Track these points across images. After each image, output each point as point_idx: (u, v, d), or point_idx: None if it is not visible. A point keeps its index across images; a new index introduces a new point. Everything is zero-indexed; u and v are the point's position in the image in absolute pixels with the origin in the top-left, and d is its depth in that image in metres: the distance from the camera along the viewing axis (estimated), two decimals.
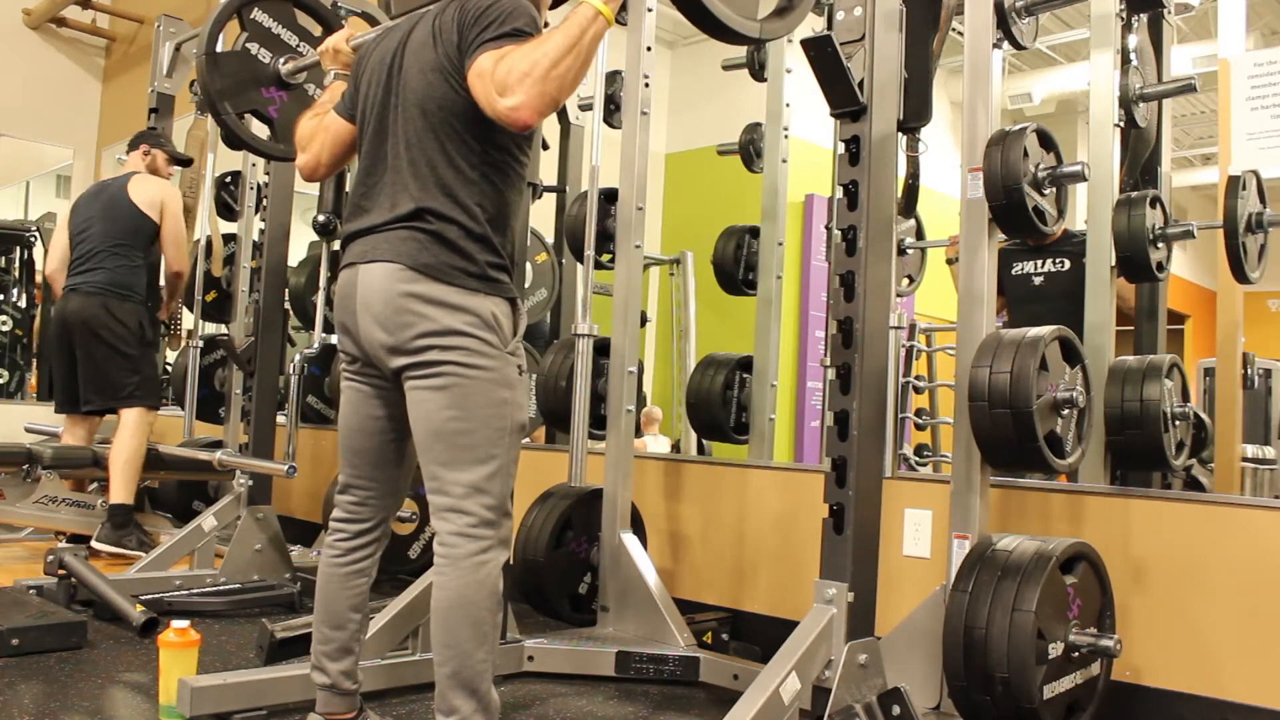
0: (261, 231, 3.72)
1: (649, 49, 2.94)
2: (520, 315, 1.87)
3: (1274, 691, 2.21)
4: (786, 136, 3.85)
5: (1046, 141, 2.31)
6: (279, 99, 2.85)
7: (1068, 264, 3.24)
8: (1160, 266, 2.82)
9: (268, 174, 3.69)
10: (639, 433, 4.34)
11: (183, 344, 4.95)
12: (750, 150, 4.08)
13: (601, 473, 2.93)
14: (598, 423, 3.00)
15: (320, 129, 2.06)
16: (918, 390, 2.90)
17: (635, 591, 2.79)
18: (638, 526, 3.00)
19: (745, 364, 3.65)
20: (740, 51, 3.98)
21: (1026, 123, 2.28)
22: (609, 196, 3.20)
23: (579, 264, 3.71)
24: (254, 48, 2.84)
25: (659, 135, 7.21)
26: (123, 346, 3.93)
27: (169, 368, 5.64)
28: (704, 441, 4.20)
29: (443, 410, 1.76)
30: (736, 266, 3.83)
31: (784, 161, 3.83)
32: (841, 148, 2.15)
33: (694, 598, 3.29)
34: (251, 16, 2.86)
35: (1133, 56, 2.96)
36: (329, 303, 3.82)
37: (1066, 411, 2.14)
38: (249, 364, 3.63)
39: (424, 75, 1.83)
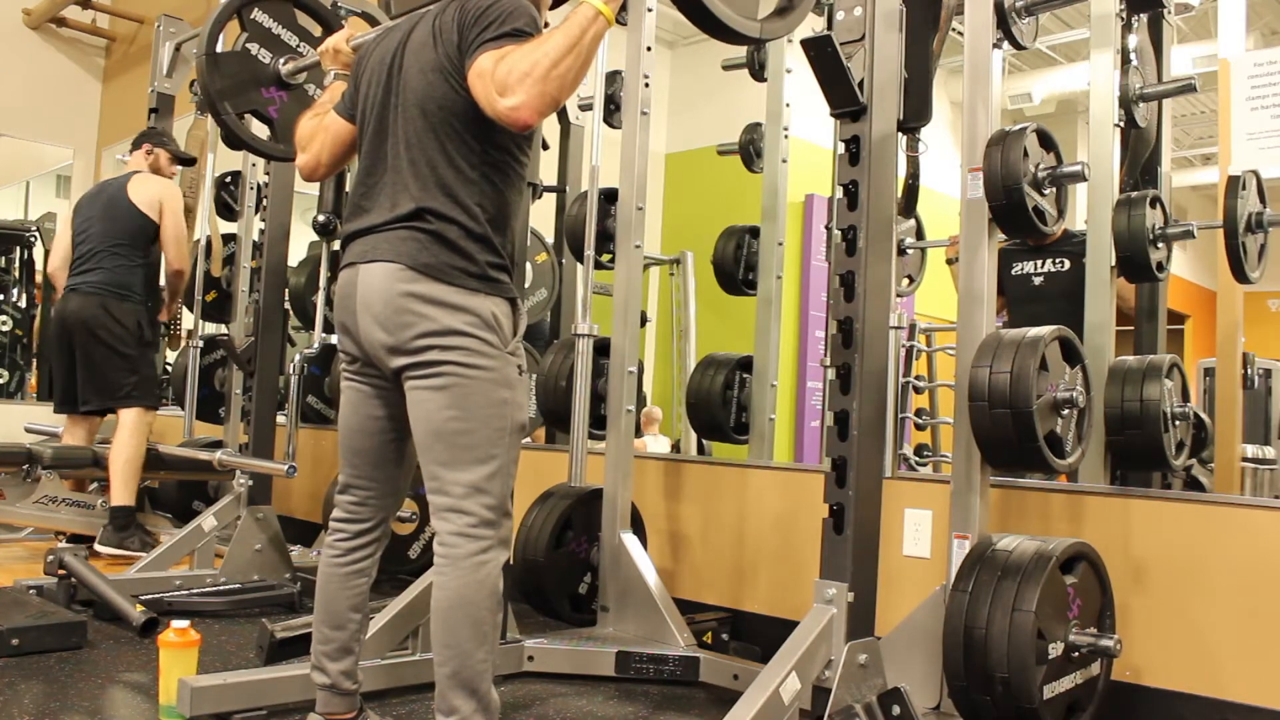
0: (261, 231, 3.72)
1: (649, 49, 2.94)
2: (520, 315, 1.87)
3: (1274, 691, 2.21)
4: (786, 136, 3.85)
5: (1046, 141, 2.31)
6: (279, 99, 2.85)
7: (1068, 264, 3.24)
8: (1160, 266, 2.82)
9: (268, 174, 3.69)
10: (639, 433, 4.34)
11: (183, 344, 4.95)
12: (750, 150, 4.08)
13: (601, 473, 2.93)
14: (598, 423, 3.00)
15: (320, 129, 2.06)
16: (918, 390, 2.90)
17: (635, 591, 2.79)
18: (638, 526, 3.00)
19: (745, 364, 3.65)
20: (740, 51, 3.99)
21: (1026, 123, 2.28)
22: (609, 196, 3.20)
23: (579, 264, 3.71)
24: (254, 48, 2.84)
25: (659, 135, 7.21)
26: (121, 347, 3.93)
27: (169, 368, 5.65)
28: (704, 441, 4.20)
29: (443, 410, 1.76)
30: (736, 266, 3.83)
31: (784, 161, 3.84)
32: (841, 148, 2.15)
33: (694, 598, 3.29)
34: (251, 17, 2.86)
35: (1133, 56, 2.96)
36: (329, 303, 3.82)
37: (1066, 411, 2.14)
38: (249, 364, 3.63)
39: (424, 75, 1.83)
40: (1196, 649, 2.33)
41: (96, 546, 3.79)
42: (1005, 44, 2.36)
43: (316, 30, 2.99)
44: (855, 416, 2.07)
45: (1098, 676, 2.16)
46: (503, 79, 1.66)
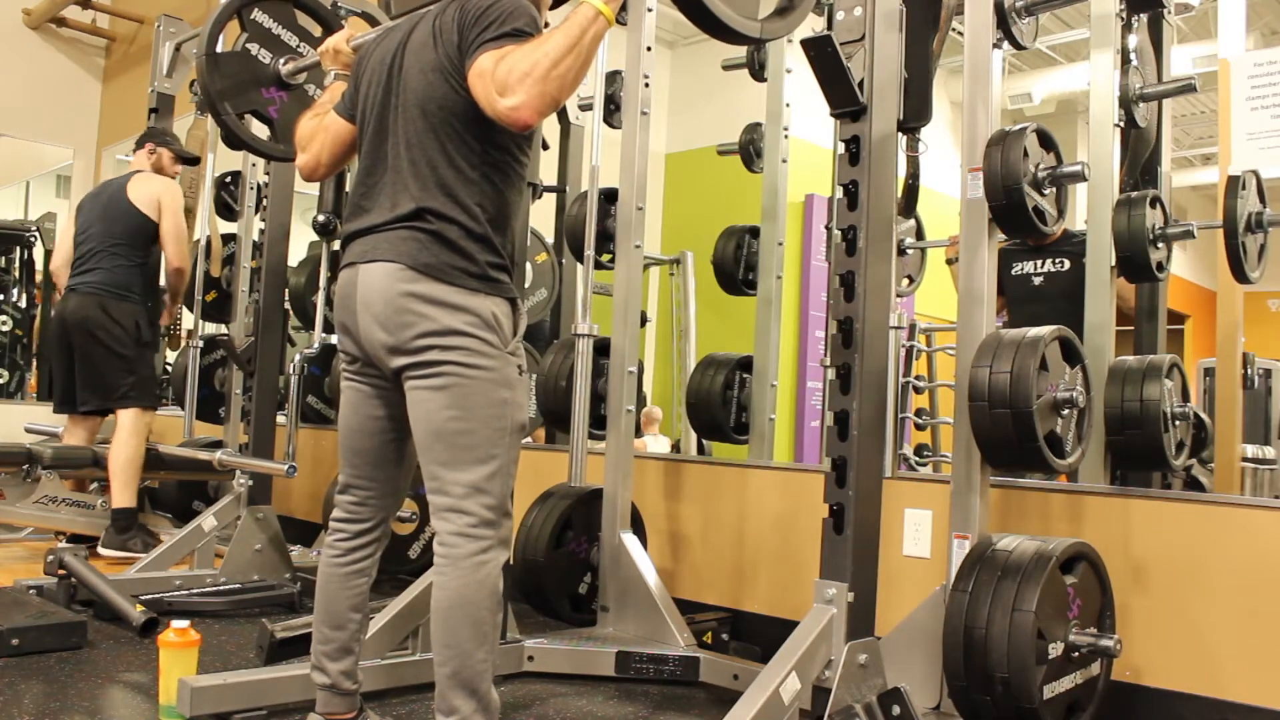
0: (261, 231, 3.72)
1: (649, 49, 2.94)
2: (520, 315, 1.87)
3: (1274, 691, 2.21)
4: (786, 136, 3.85)
5: (1046, 141, 2.31)
6: (279, 99, 2.85)
7: (1068, 264, 3.24)
8: (1160, 266, 2.82)
9: (268, 174, 3.69)
10: (639, 433, 4.34)
11: (183, 344, 4.95)
12: (750, 150, 4.08)
13: (601, 473, 2.93)
14: (598, 423, 3.00)
15: (320, 129, 2.06)
16: (918, 390, 2.90)
17: (635, 591, 2.79)
18: (638, 526, 3.00)
19: (745, 364, 3.65)
20: (740, 51, 3.99)
21: (1026, 123, 2.28)
22: (609, 196, 3.20)
23: (579, 264, 3.71)
24: (254, 48, 2.84)
25: (659, 135, 7.21)
26: (118, 347, 3.93)
27: (169, 368, 5.65)
28: (704, 441, 4.20)
29: (443, 410, 1.76)
30: (736, 266, 3.83)
31: (784, 161, 3.84)
32: (841, 148, 2.15)
33: (694, 598, 3.29)
34: (251, 17, 2.86)
35: (1133, 56, 2.96)
36: (329, 303, 3.82)
37: (1066, 411, 2.14)
38: (249, 364, 3.63)
39: (424, 75, 1.83)
40: (1196, 649, 2.33)
41: (100, 549, 3.80)
42: (1005, 44, 2.36)
43: (316, 30, 2.99)
44: (855, 416, 2.07)
45: (1098, 676, 2.16)
46: (503, 79, 1.66)
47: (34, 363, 7.23)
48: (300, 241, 4.59)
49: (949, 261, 3.62)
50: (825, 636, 2.03)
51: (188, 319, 4.94)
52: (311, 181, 2.25)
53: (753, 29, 2.16)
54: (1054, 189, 2.33)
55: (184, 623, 2.16)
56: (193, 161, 4.44)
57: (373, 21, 3.31)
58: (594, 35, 1.68)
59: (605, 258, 3.31)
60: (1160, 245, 2.80)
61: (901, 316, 2.67)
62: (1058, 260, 3.28)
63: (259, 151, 3.04)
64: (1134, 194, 2.83)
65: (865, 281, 2.10)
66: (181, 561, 3.40)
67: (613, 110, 3.84)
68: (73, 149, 7.66)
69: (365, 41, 2.15)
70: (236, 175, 4.58)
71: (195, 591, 3.21)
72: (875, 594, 2.12)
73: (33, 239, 7.23)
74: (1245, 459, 3.01)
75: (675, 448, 5.98)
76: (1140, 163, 3.12)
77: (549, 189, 4.29)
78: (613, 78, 3.74)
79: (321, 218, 3.74)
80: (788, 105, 3.84)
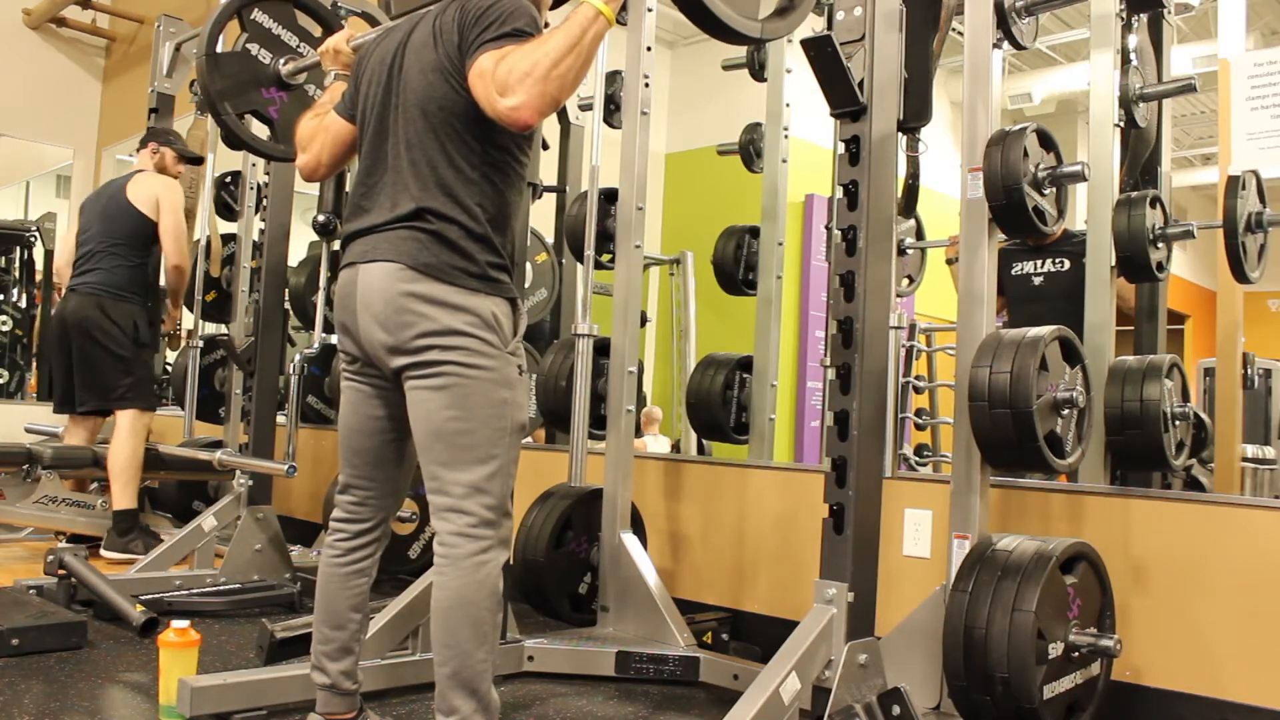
0: (261, 231, 3.72)
1: (649, 49, 2.94)
2: (520, 315, 1.87)
3: (1274, 691, 2.21)
4: (786, 136, 3.85)
5: (1046, 141, 2.31)
6: (279, 99, 2.85)
7: (1068, 264, 3.24)
8: (1160, 266, 2.82)
9: (268, 174, 3.69)
10: (639, 433, 4.34)
11: (183, 344, 4.95)
12: (750, 150, 4.08)
13: (601, 473, 2.93)
14: (598, 423, 3.00)
15: (320, 129, 2.06)
16: (918, 390, 2.90)
17: (635, 591, 2.79)
18: (638, 526, 3.00)
19: (745, 364, 3.65)
20: (740, 51, 3.98)
21: (1026, 123, 2.28)
22: (609, 196, 3.20)
23: (579, 264, 3.71)
24: (254, 48, 2.84)
25: (659, 135, 7.21)
26: (116, 348, 3.93)
27: (169, 368, 5.64)
28: (704, 441, 4.20)
29: (443, 410, 1.76)
30: (736, 266, 3.83)
31: (784, 161, 3.84)
32: (841, 148, 2.15)
33: (694, 598, 3.29)
34: (251, 17, 2.86)
35: (1133, 56, 2.96)
36: (329, 303, 3.82)
37: (1066, 411, 2.14)
38: (249, 364, 3.63)
39: (424, 75, 1.83)
40: (1196, 649, 2.33)
41: (102, 552, 3.79)
42: (1005, 44, 2.36)
43: (316, 31, 2.99)
44: (855, 416, 2.07)
45: (1098, 676, 2.16)
46: (503, 79, 1.66)
47: (34, 363, 7.23)
48: (300, 241, 4.59)
49: (949, 261, 3.62)
50: (825, 636, 2.03)
51: (188, 319, 4.93)
52: (312, 182, 2.25)
53: (753, 29, 2.16)
54: (1054, 189, 2.33)
55: (184, 623, 2.17)
56: (196, 161, 4.44)
57: (373, 21, 3.31)
58: (594, 35, 1.68)
59: (605, 258, 3.31)
60: (1160, 245, 2.80)
61: (901, 316, 2.67)
62: (1058, 260, 3.28)
63: (259, 151, 3.04)
64: (1134, 194, 2.83)
65: (865, 281, 2.10)
66: (181, 561, 3.40)
67: (613, 110, 3.84)
68: (73, 149, 7.66)
69: (365, 42, 2.15)
70: (236, 175, 4.58)
71: (195, 591, 3.21)
72: (875, 594, 2.12)
73: (33, 239, 7.23)
74: (1245, 459, 3.01)
75: (675, 448, 5.98)
76: (1140, 163, 3.12)
77: (549, 189, 4.29)
78: (613, 78, 3.74)
79: (321, 218, 3.74)
80: (788, 105, 3.84)
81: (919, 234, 3.57)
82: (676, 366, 6.08)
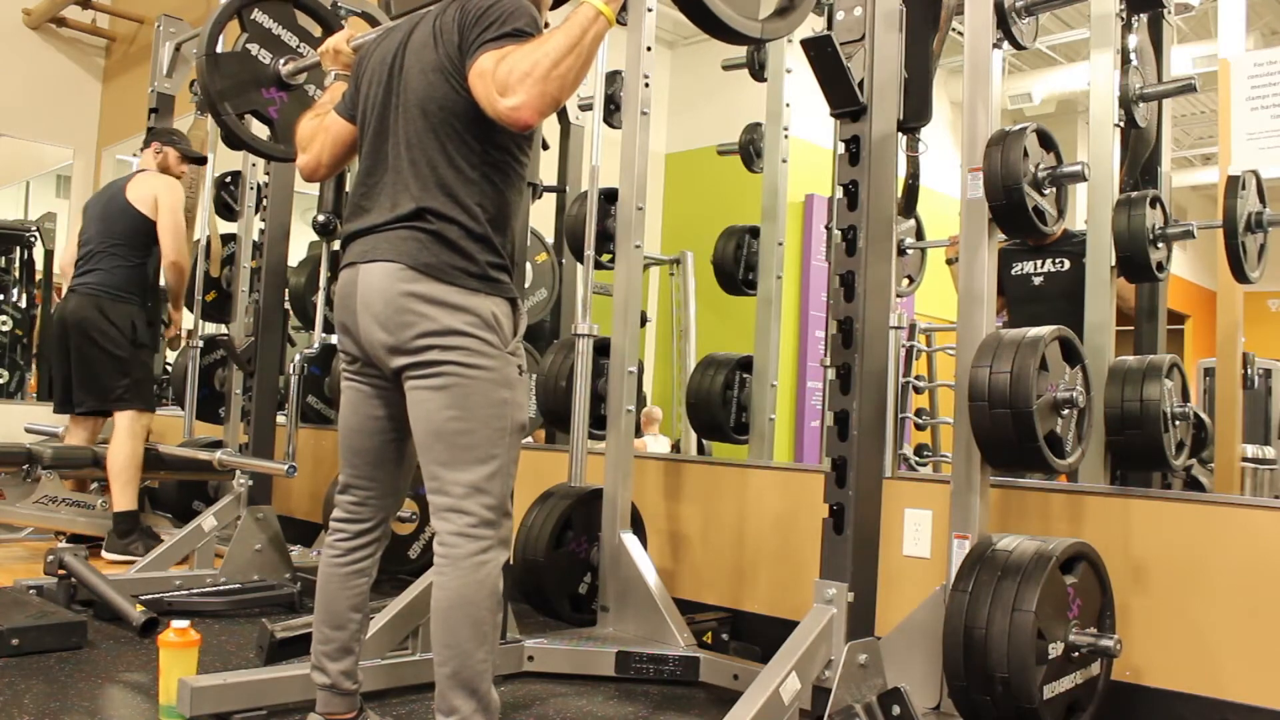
0: (261, 231, 3.72)
1: (649, 49, 2.94)
2: (520, 315, 1.87)
3: (1274, 691, 2.21)
4: (786, 136, 3.85)
5: (1046, 141, 2.31)
6: (279, 99, 2.85)
7: (1068, 264, 3.24)
8: (1160, 266, 2.82)
9: (268, 174, 3.69)
10: (639, 433, 4.35)
11: (183, 344, 4.95)
12: (750, 150, 4.08)
13: (601, 473, 2.93)
14: (598, 423, 3.00)
15: (320, 129, 2.06)
16: (918, 390, 2.90)
17: (635, 591, 2.79)
18: (638, 526, 3.00)
19: (745, 364, 3.65)
20: (740, 51, 3.98)
21: (1026, 123, 2.28)
22: (609, 196, 3.20)
23: (579, 264, 3.71)
24: (254, 48, 2.84)
25: (659, 135, 7.21)
26: (113, 349, 3.92)
27: (169, 368, 5.64)
28: (704, 441, 4.20)
29: (443, 410, 1.76)
30: (736, 266, 3.83)
31: (784, 161, 3.84)
32: (841, 148, 2.15)
33: (694, 598, 3.29)
34: (252, 17, 2.86)
35: (1133, 56, 2.96)
36: (329, 303, 3.82)
37: (1066, 411, 2.14)
38: (249, 364, 3.63)
39: (425, 75, 1.83)
40: (1196, 649, 2.33)
41: (103, 554, 3.79)
42: (1005, 44, 2.36)
43: (317, 31, 2.99)
44: (855, 416, 2.07)
45: (1098, 676, 2.16)
46: (503, 79, 1.66)
47: (34, 363, 7.23)
48: (300, 241, 4.59)
49: (949, 261, 3.62)
50: (825, 636, 2.03)
51: (188, 319, 4.94)
52: (312, 182, 2.25)
53: (753, 29, 2.16)
54: (1054, 189, 2.33)
55: (184, 623, 2.17)
56: (200, 161, 4.44)
57: (373, 21, 3.31)
58: (594, 35, 1.68)
59: (605, 258, 3.31)
60: (1160, 245, 2.80)
61: (901, 316, 2.67)
62: (1058, 260, 3.28)
63: (259, 151, 3.04)
64: (1134, 194, 2.83)
65: (865, 281, 2.10)
66: (181, 561, 3.40)
67: (613, 110, 3.84)
68: (73, 149, 7.66)
69: (365, 42, 2.15)
70: (236, 175, 4.58)
71: (195, 591, 3.21)
72: (875, 594, 2.12)
73: (33, 239, 7.22)
74: (1245, 459, 3.01)
75: (675, 448, 5.98)
76: (1140, 163, 3.12)
77: (549, 189, 4.28)
78: (613, 78, 3.74)
79: (321, 218, 3.74)
80: (788, 105, 3.84)
81: (919, 234, 3.57)
82: (676, 366, 6.09)
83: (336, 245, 2.52)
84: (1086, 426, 2.21)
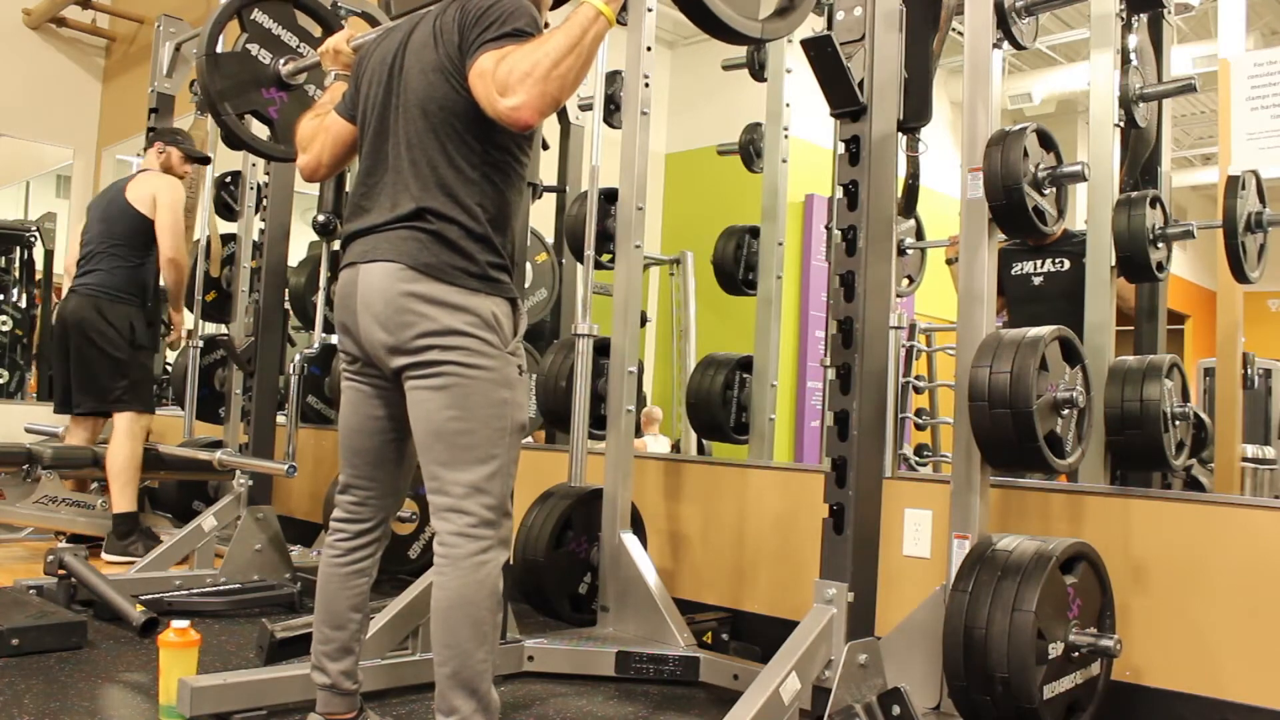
0: (261, 231, 3.72)
1: (649, 49, 2.94)
2: (520, 315, 1.87)
3: (1274, 691, 2.21)
4: (786, 136, 3.85)
5: (1046, 141, 2.31)
6: (279, 100, 2.85)
7: (1068, 264, 3.24)
8: (1160, 266, 2.82)
9: (268, 174, 3.69)
10: (639, 433, 4.34)
11: (183, 344, 4.95)
12: (750, 150, 4.08)
13: (601, 473, 2.93)
14: (598, 423, 3.00)
15: (321, 129, 2.06)
16: (918, 390, 2.90)
17: (635, 591, 2.79)
18: (638, 526, 3.00)
19: (745, 364, 3.65)
20: (740, 51, 3.98)
21: (1026, 123, 2.28)
22: (609, 196, 3.20)
23: (579, 264, 3.71)
24: (254, 48, 2.84)
25: (659, 135, 7.21)
26: (111, 350, 3.92)
27: (169, 368, 5.64)
28: (704, 441, 4.20)
29: (443, 410, 1.76)
30: (736, 266, 3.83)
31: (784, 161, 3.84)
32: (841, 148, 2.15)
33: (694, 598, 3.29)
34: (251, 17, 2.85)
35: (1133, 56, 2.96)
36: (329, 303, 3.82)
37: (1066, 411, 2.14)
38: (249, 364, 3.63)
39: (425, 75, 1.83)
40: (1196, 649, 2.33)
41: (103, 555, 3.79)
42: (1005, 44, 2.36)
43: (316, 31, 2.99)
44: (855, 416, 2.07)
45: (1098, 676, 2.16)
46: (503, 79, 1.66)
47: (34, 363, 7.23)
48: (300, 241, 4.59)
49: (949, 261, 3.62)
50: (825, 636, 2.03)
51: (188, 319, 4.94)
52: (312, 182, 2.25)
53: (753, 29, 2.16)
54: (1054, 189, 2.33)
55: (184, 623, 2.17)
56: (204, 161, 4.43)
57: (373, 21, 3.31)
58: (594, 35, 1.68)
59: (605, 258, 3.31)
60: (1160, 245, 2.80)
61: (901, 316, 2.67)
62: (1058, 260, 3.28)
63: (259, 152, 3.04)
64: (1134, 194, 2.83)
65: (865, 281, 2.10)
66: (181, 561, 3.40)
67: (613, 110, 3.84)
68: (73, 149, 7.66)
69: (365, 42, 2.15)
70: (236, 175, 4.58)
71: (195, 591, 3.21)
72: (875, 594, 2.12)
73: (33, 239, 7.23)
74: (1245, 459, 3.01)
75: (675, 448, 5.98)
76: (1140, 163, 3.12)
77: (549, 189, 4.29)
78: (613, 78, 3.74)
79: (321, 218, 3.74)
80: (788, 105, 3.84)
81: (919, 234, 3.57)
82: (676, 366, 6.09)
83: (336, 245, 2.52)
84: (1086, 426, 2.21)
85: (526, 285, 4.36)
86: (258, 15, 2.87)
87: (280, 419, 3.72)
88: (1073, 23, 6.61)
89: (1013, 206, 2.21)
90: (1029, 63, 7.64)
